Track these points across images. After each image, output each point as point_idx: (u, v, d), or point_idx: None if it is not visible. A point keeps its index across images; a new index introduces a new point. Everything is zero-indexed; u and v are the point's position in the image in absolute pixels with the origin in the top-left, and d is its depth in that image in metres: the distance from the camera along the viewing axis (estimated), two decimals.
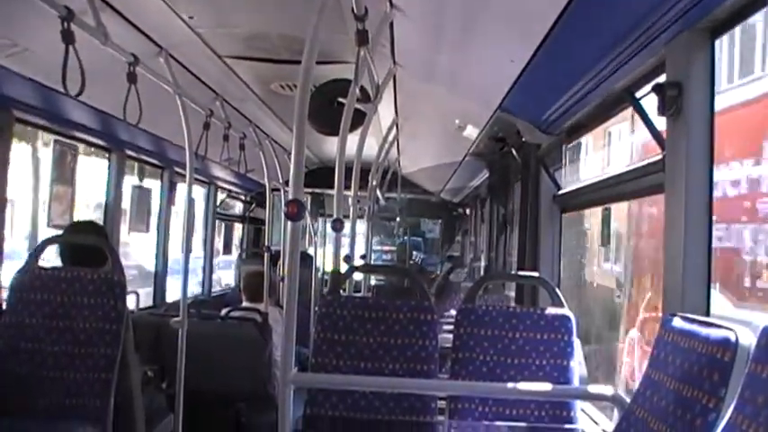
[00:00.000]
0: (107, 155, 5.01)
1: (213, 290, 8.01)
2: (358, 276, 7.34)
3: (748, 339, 1.58)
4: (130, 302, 4.62)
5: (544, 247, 4.54)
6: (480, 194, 8.21)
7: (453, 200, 10.69)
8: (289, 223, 2.28)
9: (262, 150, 5.96)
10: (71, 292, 3.15)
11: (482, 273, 7.60)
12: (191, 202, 4.26)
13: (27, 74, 3.41)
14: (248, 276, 5.90)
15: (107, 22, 3.01)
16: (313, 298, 6.57)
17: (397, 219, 10.92)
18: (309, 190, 9.50)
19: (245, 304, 5.66)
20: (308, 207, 8.85)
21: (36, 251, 3.26)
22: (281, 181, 6.54)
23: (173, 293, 6.09)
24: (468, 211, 10.20)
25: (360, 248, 7.45)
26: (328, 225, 4.00)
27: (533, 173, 4.64)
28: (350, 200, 4.51)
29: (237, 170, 5.76)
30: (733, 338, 1.61)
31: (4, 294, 3.28)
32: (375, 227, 9.32)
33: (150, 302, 5.87)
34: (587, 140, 5.91)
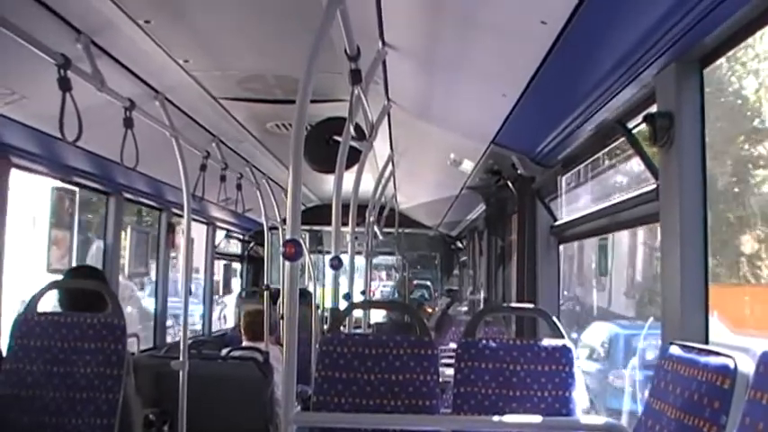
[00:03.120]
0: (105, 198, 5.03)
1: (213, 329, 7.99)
2: (358, 313, 7.33)
3: (747, 366, 1.59)
4: (131, 346, 4.60)
5: (542, 278, 4.54)
6: (478, 227, 8.21)
7: (451, 233, 10.68)
8: (287, 264, 2.28)
9: (259, 189, 5.98)
10: (71, 338, 3.14)
11: (481, 305, 7.56)
12: (189, 242, 4.27)
13: (25, 121, 3.44)
14: (248, 315, 5.89)
15: (103, 69, 3.06)
16: (313, 335, 6.54)
17: (396, 254, 10.89)
18: (307, 227, 9.50)
19: (245, 344, 5.64)
20: (307, 244, 8.87)
21: (36, 296, 3.25)
22: (278, 219, 6.54)
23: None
24: (465, 243, 10.19)
25: (359, 285, 7.42)
26: (327, 261, 4.02)
27: (529, 205, 4.65)
28: (348, 236, 4.51)
29: (235, 209, 5.77)
30: (732, 365, 1.61)
31: (4, 341, 3.26)
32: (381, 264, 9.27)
33: (150, 344, 5.84)
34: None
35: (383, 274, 13.72)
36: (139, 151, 3.45)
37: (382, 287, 13.87)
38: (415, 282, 11.83)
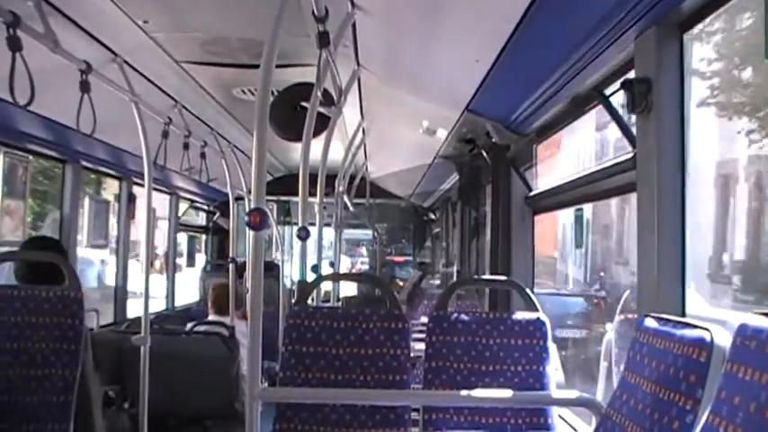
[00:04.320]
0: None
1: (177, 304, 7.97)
2: (327, 286, 7.36)
3: (724, 339, 1.59)
4: (90, 320, 4.56)
5: (517, 250, 4.56)
6: (451, 198, 8.26)
7: (423, 204, 10.72)
8: (252, 233, 2.27)
9: (224, 158, 5.93)
10: (26, 312, 3.08)
11: (454, 279, 7.61)
12: (150, 213, 4.22)
13: None
14: (213, 289, 5.89)
15: (56, 28, 2.97)
16: (281, 309, 6.56)
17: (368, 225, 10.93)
18: (274, 198, 9.48)
19: (210, 318, 5.64)
20: (273, 215, 8.85)
21: None
22: (244, 189, 6.53)
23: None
24: (438, 215, 10.24)
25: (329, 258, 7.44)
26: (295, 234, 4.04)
27: (504, 174, 4.66)
28: (316, 207, 4.52)
29: (199, 179, 5.73)
30: (708, 338, 1.62)
31: None
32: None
33: (111, 320, 5.80)
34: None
35: (363, 249, 13.76)
36: (98, 117, 3.39)
37: (360, 263, 13.93)
38: (397, 257, 11.93)
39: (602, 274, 9.40)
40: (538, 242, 4.51)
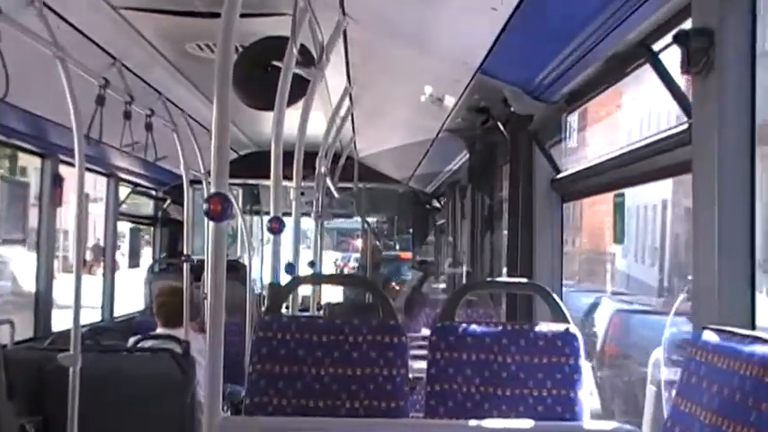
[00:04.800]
0: None
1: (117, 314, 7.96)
2: (306, 291, 7.39)
3: None
4: (2, 335, 4.54)
5: (541, 245, 4.59)
6: (459, 181, 8.30)
7: (425, 190, 10.78)
8: (212, 225, 2.30)
9: (176, 131, 5.93)
10: None
11: (463, 281, 7.68)
12: (83, 199, 4.21)
13: None
14: (162, 295, 5.90)
15: None
16: (248, 320, 6.57)
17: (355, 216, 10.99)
18: (239, 181, 9.51)
19: (159, 331, 5.64)
20: (239, 203, 8.87)
21: None
22: (202, 170, 6.54)
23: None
24: (444, 203, 10.27)
25: (308, 256, 7.45)
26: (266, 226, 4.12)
27: (525, 152, 4.68)
28: (292, 192, 4.58)
29: (144, 158, 5.73)
30: None
31: None
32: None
33: (30, 334, 5.79)
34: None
35: (359, 242, 13.90)
36: (11, 76, 3.36)
37: (355, 260, 14.03)
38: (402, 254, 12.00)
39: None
40: (590, 234, 4.52)
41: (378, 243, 11.84)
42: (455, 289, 7.27)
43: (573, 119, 4.75)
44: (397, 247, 12.15)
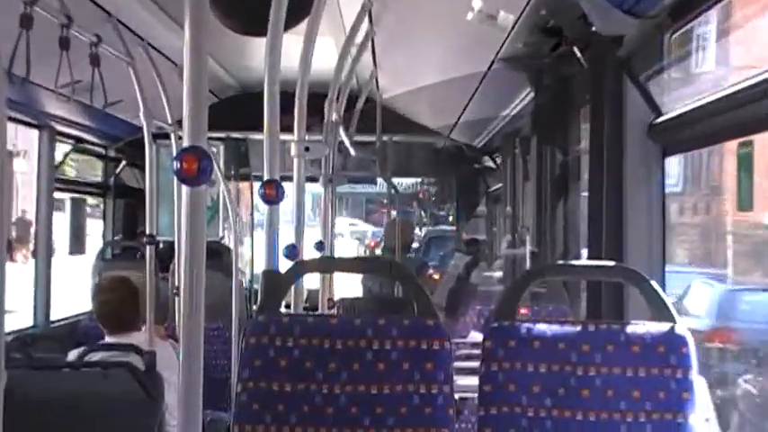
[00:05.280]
0: None
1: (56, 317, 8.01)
2: (313, 282, 7.37)
3: None
4: None
5: (634, 215, 4.60)
6: (521, 131, 8.33)
7: (473, 143, 10.80)
8: (186, 192, 2.33)
9: (133, 66, 5.99)
10: None
11: (527, 266, 7.63)
12: (4, 160, 4.22)
13: None
14: (103, 291, 5.84)
15: None
16: (235, 322, 6.56)
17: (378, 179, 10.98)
18: (221, 134, 9.61)
19: (111, 340, 5.64)
20: (221, 163, 8.88)
21: None
22: (169, 120, 6.63)
23: None
24: (500, 161, 10.28)
25: (314, 234, 7.44)
26: (258, 194, 4.06)
27: (612, 87, 4.69)
28: (293, 148, 4.57)
29: (90, 103, 5.72)
30: None
31: None
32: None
33: None
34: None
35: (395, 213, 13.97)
36: None
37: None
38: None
39: None
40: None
41: (423, 213, 11.82)
42: (516, 277, 7.30)
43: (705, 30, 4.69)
44: (444, 218, 12.13)
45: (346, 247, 22.69)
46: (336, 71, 5.99)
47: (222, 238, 9.21)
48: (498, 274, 9.29)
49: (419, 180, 11.31)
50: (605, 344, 3.11)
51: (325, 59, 5.32)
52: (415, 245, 12.18)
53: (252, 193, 10.43)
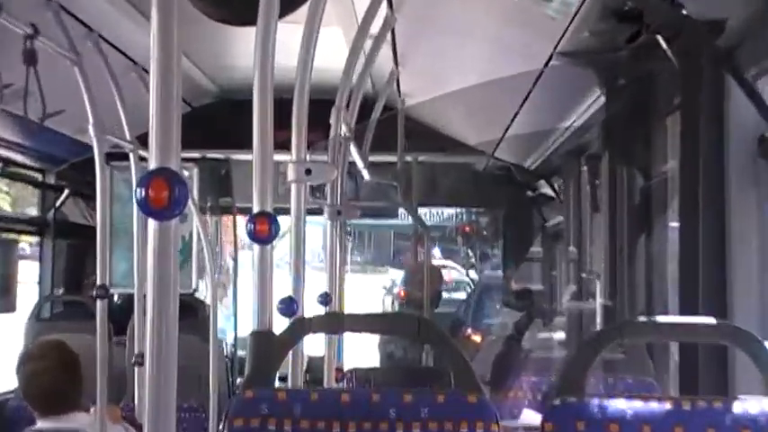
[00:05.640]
0: None
1: None
2: (315, 347, 7.35)
3: None
4: None
5: (742, 257, 4.60)
6: (588, 148, 8.41)
7: (524, 164, 10.87)
8: (153, 229, 2.35)
9: (78, 66, 6.01)
10: None
11: (597, 324, 7.72)
12: None
13: None
14: (31, 359, 5.82)
15: None
16: (213, 400, 6.63)
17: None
18: (196, 153, 9.71)
19: (41, 425, 5.63)
20: (194, 189, 9.09)
21: None
22: (128, 136, 6.72)
23: None
24: (560, 187, 10.40)
25: (318, 284, 7.39)
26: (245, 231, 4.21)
27: (710, 89, 4.67)
28: (290, 171, 4.56)
29: (24, 114, 5.73)
30: None
31: None
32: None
33: None
34: None
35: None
36: None
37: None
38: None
39: None
40: None
41: (470, 252, 12.00)
42: (583, 339, 7.31)
43: None
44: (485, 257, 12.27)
45: (365, 300, 23.05)
46: (346, 71, 6.05)
47: (196, 290, 9.24)
48: (559, 335, 9.42)
49: (461, 210, 11.49)
50: (705, 427, 3.13)
51: (331, 55, 5.42)
52: (459, 294, 12.19)
53: (235, 231, 10.53)
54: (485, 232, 12.03)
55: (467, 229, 16.19)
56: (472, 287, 15.45)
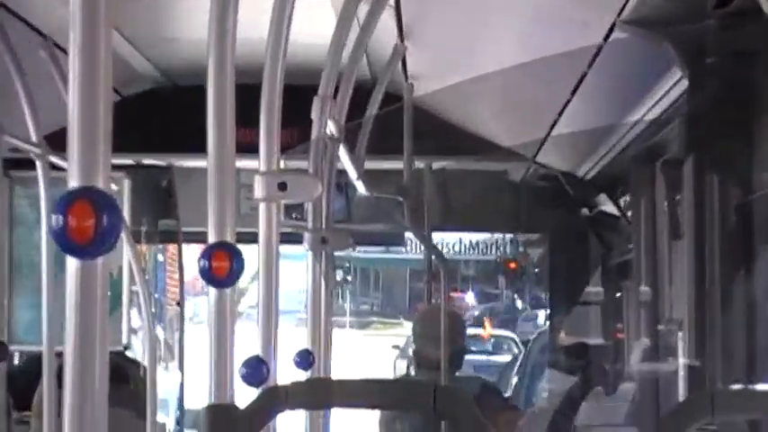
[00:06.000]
0: None
1: None
2: (293, 425, 7.09)
3: None
4: None
5: None
6: (665, 150, 8.36)
7: (576, 172, 10.78)
8: (73, 267, 2.30)
9: None
10: None
11: (681, 392, 7.68)
12: None
13: None
14: None
15: None
16: None
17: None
18: (128, 160, 9.75)
19: None
20: (124, 210, 8.87)
21: None
22: (33, 137, 6.64)
23: None
24: (627, 204, 10.34)
25: (298, 339, 7.26)
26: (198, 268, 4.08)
27: None
28: (258, 185, 4.46)
29: None
30: None
31: None
32: None
33: None
34: None
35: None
36: None
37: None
38: None
39: None
40: None
41: (516, 296, 12.20)
42: (662, 414, 7.27)
43: None
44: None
45: (369, 366, 23.80)
46: (334, 46, 5.99)
47: (127, 347, 9.09)
48: (627, 402, 9.24)
49: (503, 236, 11.67)
50: None
51: (314, 25, 5.46)
52: (503, 357, 12.25)
53: (181, 265, 10.46)
54: (536, 270, 12.24)
55: (512, 265, 16.38)
56: (519, 348, 15.83)
